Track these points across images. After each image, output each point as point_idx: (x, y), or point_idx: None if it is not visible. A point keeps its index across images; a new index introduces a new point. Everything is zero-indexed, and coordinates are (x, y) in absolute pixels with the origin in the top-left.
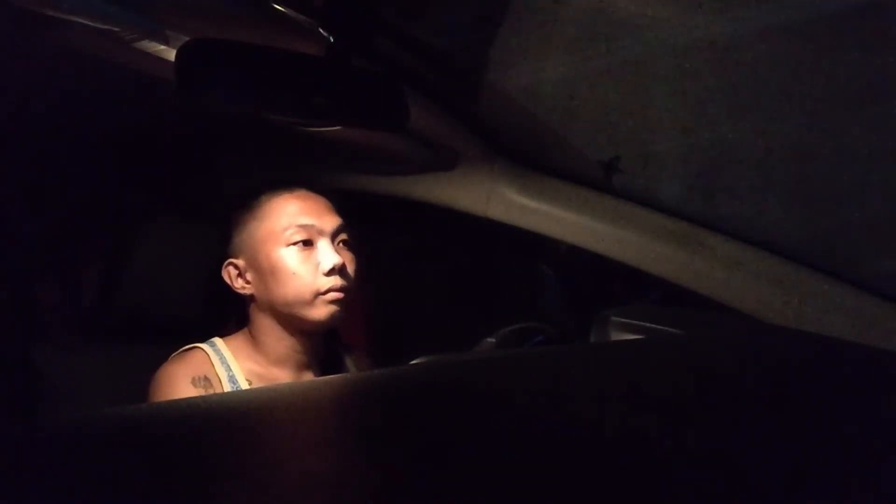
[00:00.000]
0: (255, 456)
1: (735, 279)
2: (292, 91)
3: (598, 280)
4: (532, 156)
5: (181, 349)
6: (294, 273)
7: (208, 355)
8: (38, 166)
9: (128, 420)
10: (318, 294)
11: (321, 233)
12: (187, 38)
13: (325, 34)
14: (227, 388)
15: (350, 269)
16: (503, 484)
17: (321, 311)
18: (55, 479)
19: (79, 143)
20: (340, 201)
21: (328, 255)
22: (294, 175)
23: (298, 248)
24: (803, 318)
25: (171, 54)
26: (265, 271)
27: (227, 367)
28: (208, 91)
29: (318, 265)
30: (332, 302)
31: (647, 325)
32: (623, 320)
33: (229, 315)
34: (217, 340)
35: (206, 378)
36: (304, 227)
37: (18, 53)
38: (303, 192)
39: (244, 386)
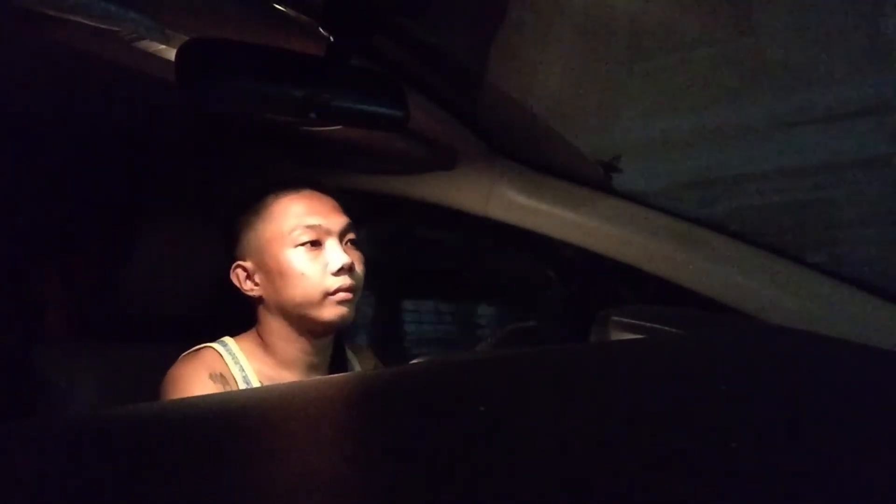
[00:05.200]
0: (255, 455)
1: (735, 279)
2: (292, 91)
3: (598, 280)
4: (532, 156)
5: (192, 349)
6: (302, 274)
7: (221, 355)
8: (39, 166)
9: (128, 420)
10: (327, 294)
11: (329, 233)
12: (187, 38)
13: (325, 34)
14: (242, 387)
15: (358, 268)
16: (504, 483)
17: (330, 312)
18: (55, 479)
19: (79, 143)
20: (347, 201)
21: (336, 254)
22: (295, 174)
23: (306, 249)
24: (803, 317)
25: (171, 54)
26: (273, 273)
27: (240, 367)
28: (208, 90)
29: (326, 265)
30: (341, 302)
31: (647, 325)
32: (623, 320)
33: (235, 316)
34: (228, 340)
35: (221, 375)
36: (311, 227)
37: (18, 53)
38: (310, 192)
39: (257, 386)
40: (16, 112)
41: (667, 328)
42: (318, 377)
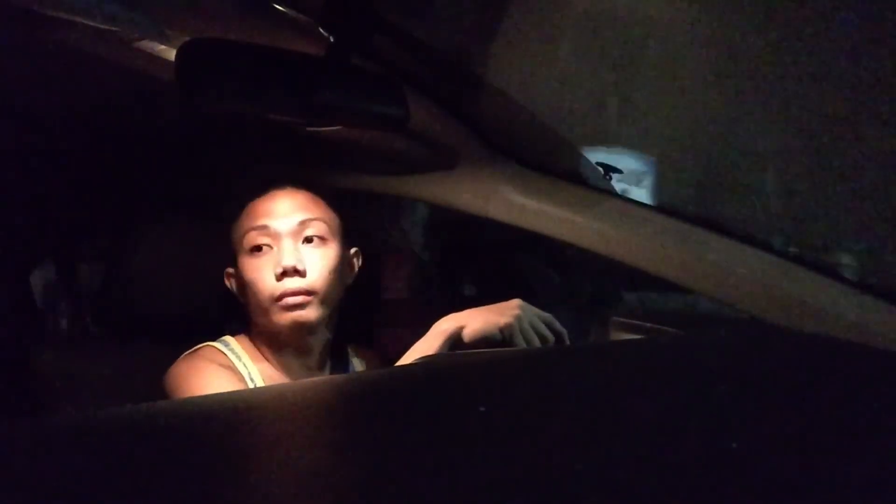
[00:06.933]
0: (255, 457)
1: (735, 279)
2: (292, 91)
3: (598, 280)
4: (532, 156)
5: (193, 348)
6: (252, 280)
7: (224, 353)
8: (40, 166)
9: (129, 420)
10: (274, 300)
11: (278, 235)
12: (187, 38)
13: (325, 34)
14: (249, 385)
15: (319, 266)
16: (503, 483)
17: (282, 318)
18: (56, 479)
19: (80, 143)
20: (335, 196)
21: (280, 257)
22: (293, 174)
23: (256, 254)
24: (803, 318)
25: (171, 54)
26: (239, 279)
27: (243, 364)
28: (208, 91)
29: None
30: (292, 306)
31: (647, 325)
32: (623, 320)
33: (233, 316)
34: (229, 339)
35: (229, 368)
36: (259, 231)
37: (18, 53)
38: (274, 192)
39: (261, 384)
40: (16, 112)
41: (667, 328)
42: (319, 378)
